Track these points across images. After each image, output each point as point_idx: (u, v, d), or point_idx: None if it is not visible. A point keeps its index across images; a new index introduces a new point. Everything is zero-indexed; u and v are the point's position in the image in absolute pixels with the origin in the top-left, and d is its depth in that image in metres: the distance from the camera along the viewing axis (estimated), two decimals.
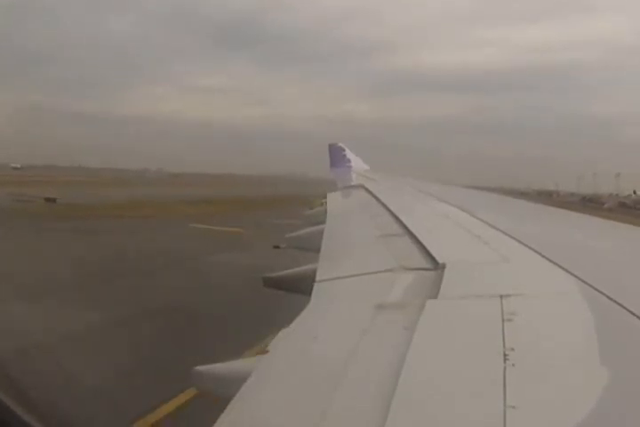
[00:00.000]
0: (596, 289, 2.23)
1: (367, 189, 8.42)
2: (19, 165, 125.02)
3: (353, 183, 10.58)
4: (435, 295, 2.28)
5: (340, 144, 16.50)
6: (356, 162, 15.72)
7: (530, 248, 3.11)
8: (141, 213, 37.07)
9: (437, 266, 2.78)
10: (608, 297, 2.12)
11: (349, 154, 16.04)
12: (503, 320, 1.91)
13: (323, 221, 5.65)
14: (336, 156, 16.06)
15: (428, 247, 3.19)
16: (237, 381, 1.74)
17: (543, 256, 2.87)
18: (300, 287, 3.25)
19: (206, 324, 12.87)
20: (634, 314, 1.93)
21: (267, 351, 2.00)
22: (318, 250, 3.91)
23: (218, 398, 1.91)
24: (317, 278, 2.95)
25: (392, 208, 5.39)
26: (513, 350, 1.67)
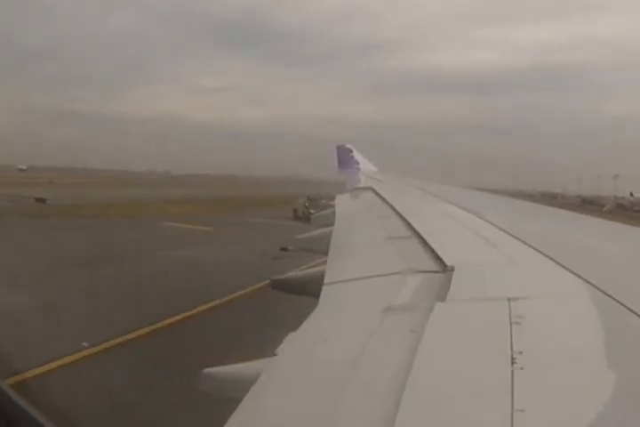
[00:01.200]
0: (604, 292, 2.22)
1: (375, 191, 8.41)
2: (24, 167, 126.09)
3: (361, 185, 10.57)
4: (443, 298, 2.28)
5: (348, 145, 16.48)
6: (364, 163, 15.69)
7: (538, 251, 3.10)
8: (123, 213, 38.21)
9: (446, 268, 2.78)
10: (616, 300, 2.11)
11: (357, 155, 16.02)
12: (511, 323, 1.91)
13: (331, 223, 5.66)
14: (344, 157, 16.03)
15: (437, 250, 3.19)
16: (246, 383, 1.75)
17: (551, 259, 2.87)
18: (309, 290, 3.26)
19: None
20: None
21: (275, 354, 2.01)
22: (326, 252, 3.92)
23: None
24: (326, 281, 2.95)
25: (400, 210, 5.39)
26: (521, 353, 1.67)
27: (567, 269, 2.64)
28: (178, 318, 13.05)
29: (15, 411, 1.73)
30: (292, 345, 2.07)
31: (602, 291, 2.24)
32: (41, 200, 44.43)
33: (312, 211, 40.08)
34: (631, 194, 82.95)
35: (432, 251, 3.22)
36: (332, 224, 5.57)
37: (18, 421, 1.75)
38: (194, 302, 14.18)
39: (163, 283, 16.89)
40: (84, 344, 10.79)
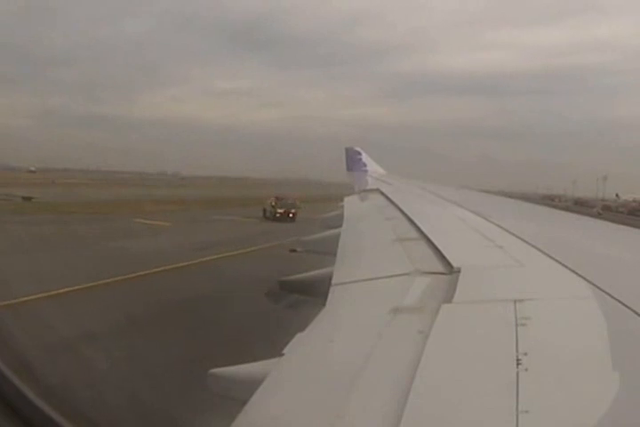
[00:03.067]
0: (609, 294, 2.23)
1: (383, 193, 8.41)
2: (34, 169, 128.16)
3: (369, 187, 10.57)
4: (450, 299, 2.29)
5: (357, 148, 16.48)
6: (373, 166, 15.69)
7: (544, 253, 3.11)
8: (101, 210, 39.37)
9: (452, 270, 2.79)
10: (622, 303, 2.12)
11: (366, 158, 16.02)
12: (517, 325, 1.92)
13: (339, 225, 5.67)
14: (353, 159, 16.04)
15: (444, 251, 3.20)
16: (253, 383, 1.76)
17: (557, 261, 2.87)
18: (317, 291, 3.27)
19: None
20: None
21: (283, 354, 2.02)
22: (334, 253, 3.93)
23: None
24: (333, 282, 2.96)
25: (407, 212, 5.39)
26: (526, 354, 1.67)
27: (572, 271, 2.65)
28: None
29: (31, 410, 1.75)
30: (300, 346, 2.08)
31: (607, 293, 2.24)
32: (27, 198, 46.24)
33: (279, 210, 40.30)
34: (617, 195, 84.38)
35: (439, 253, 3.23)
36: (339, 226, 5.58)
37: (33, 420, 1.76)
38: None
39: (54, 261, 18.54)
40: None
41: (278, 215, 40.07)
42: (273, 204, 41.84)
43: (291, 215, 40.14)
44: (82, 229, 28.92)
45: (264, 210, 41.80)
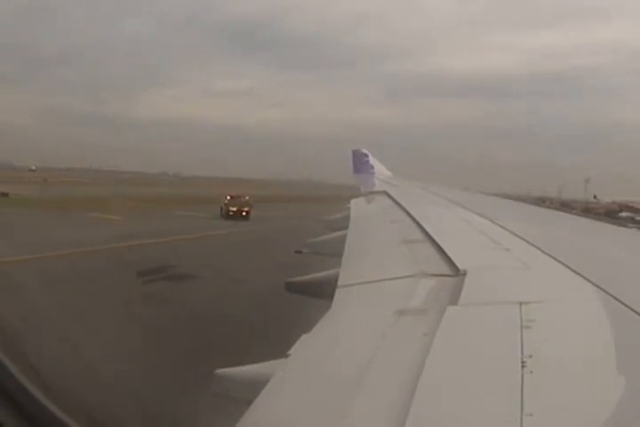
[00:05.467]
0: (614, 297, 2.22)
1: (389, 195, 8.42)
2: (34, 167, 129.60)
3: (376, 189, 10.57)
4: (455, 302, 2.29)
5: (364, 150, 16.48)
6: (379, 168, 15.69)
7: (549, 255, 3.10)
8: (66, 206, 39.53)
9: (458, 272, 2.79)
10: (627, 306, 2.11)
11: (372, 160, 16.02)
12: (522, 327, 1.92)
13: (345, 227, 5.67)
14: (359, 161, 16.04)
15: (449, 254, 3.20)
16: (258, 384, 1.77)
17: (562, 263, 2.87)
18: (323, 292, 3.27)
19: None
20: None
21: (288, 355, 2.02)
22: (340, 255, 3.94)
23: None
24: (339, 284, 2.97)
25: (414, 214, 5.39)
26: (531, 357, 1.67)
27: (578, 273, 2.64)
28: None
29: (36, 409, 1.75)
30: (305, 347, 2.09)
31: (612, 296, 2.24)
32: (4, 195, 47.70)
33: (232, 208, 41.01)
34: (595, 197, 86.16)
35: (445, 255, 3.23)
36: (346, 227, 5.59)
37: (39, 419, 1.77)
38: None
39: None
40: None
41: (231, 213, 40.68)
42: (226, 202, 42.49)
43: (244, 213, 40.92)
44: (25, 220, 30.09)
45: (221, 208, 42.33)
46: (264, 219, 39.52)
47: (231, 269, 18.74)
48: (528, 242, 3.57)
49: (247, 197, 45.17)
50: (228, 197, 43.75)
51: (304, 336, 2.18)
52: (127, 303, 13.24)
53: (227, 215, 40.71)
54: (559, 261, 2.92)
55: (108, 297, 13.53)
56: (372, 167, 15.66)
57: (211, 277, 17.54)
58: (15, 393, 1.82)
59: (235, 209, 41.41)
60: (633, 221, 39.56)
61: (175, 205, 47.87)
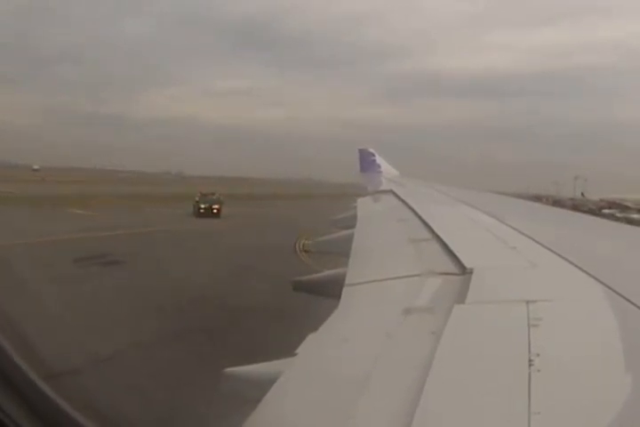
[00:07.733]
0: (621, 296, 2.22)
1: (396, 194, 8.42)
2: (37, 167, 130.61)
3: (382, 188, 10.57)
4: (462, 300, 2.29)
5: (371, 149, 16.48)
6: (386, 167, 15.68)
7: (556, 254, 3.10)
8: (49, 202, 40.86)
9: (465, 271, 2.79)
10: (634, 304, 2.11)
11: (379, 159, 16.02)
12: (529, 326, 1.92)
13: (352, 226, 5.67)
14: (366, 161, 16.06)
15: (456, 252, 3.20)
16: (266, 383, 1.78)
17: (569, 262, 2.86)
18: (330, 291, 3.28)
19: None
20: None
21: (295, 354, 2.03)
22: (348, 254, 3.94)
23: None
24: (346, 282, 2.97)
25: (421, 213, 5.39)
26: (538, 355, 1.67)
27: (585, 272, 2.64)
28: None
29: (52, 411, 1.75)
30: (313, 346, 2.09)
31: (619, 294, 2.24)
32: None
33: (202, 205, 40.89)
34: (582, 194, 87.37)
35: (452, 253, 3.23)
36: (353, 226, 5.59)
37: (55, 421, 1.77)
38: None
39: None
40: None
41: (202, 211, 40.43)
42: (197, 199, 42.19)
43: (214, 211, 40.68)
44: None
45: (193, 206, 42.08)
46: (235, 216, 39.55)
47: (153, 259, 21.26)
48: (535, 240, 3.56)
49: (218, 195, 44.68)
50: (199, 194, 43.33)
51: (311, 335, 2.19)
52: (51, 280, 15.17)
53: (197, 213, 40.40)
54: (566, 260, 2.91)
55: (37, 275, 15.20)
56: (379, 166, 15.66)
57: (131, 264, 20.09)
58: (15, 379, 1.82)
59: (205, 206, 41.01)
60: (614, 217, 40.21)
61: (157, 202, 48.50)
